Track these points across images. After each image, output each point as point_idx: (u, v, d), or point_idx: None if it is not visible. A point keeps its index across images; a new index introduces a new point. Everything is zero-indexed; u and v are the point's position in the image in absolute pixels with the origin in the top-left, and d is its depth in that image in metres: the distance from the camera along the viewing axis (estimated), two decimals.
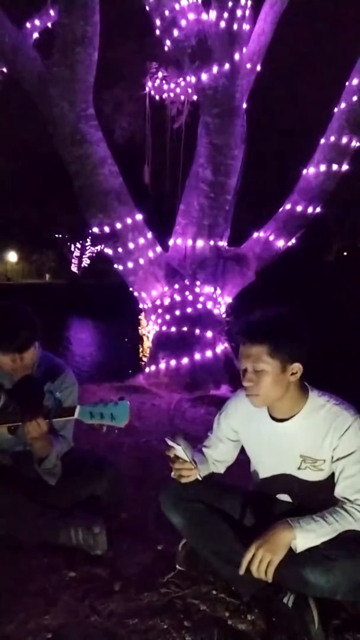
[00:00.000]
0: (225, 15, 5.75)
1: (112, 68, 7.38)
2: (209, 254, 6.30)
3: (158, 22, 5.99)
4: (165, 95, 7.03)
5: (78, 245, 37.09)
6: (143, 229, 6.21)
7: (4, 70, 6.50)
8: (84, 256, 37.68)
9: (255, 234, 6.68)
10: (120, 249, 6.15)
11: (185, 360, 5.93)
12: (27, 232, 29.91)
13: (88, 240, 34.24)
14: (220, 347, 6.11)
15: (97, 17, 5.50)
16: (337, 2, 7.72)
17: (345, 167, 6.22)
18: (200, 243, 6.26)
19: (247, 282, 6.71)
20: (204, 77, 5.83)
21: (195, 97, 6.51)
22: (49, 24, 6.54)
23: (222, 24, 5.77)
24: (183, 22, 5.81)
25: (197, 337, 6.03)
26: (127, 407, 2.11)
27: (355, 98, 5.94)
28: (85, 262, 37.75)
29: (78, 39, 5.48)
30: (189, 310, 6.08)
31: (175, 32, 5.86)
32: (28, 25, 6.49)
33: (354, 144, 6.12)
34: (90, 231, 6.66)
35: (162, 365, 6.02)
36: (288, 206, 6.47)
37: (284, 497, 2.02)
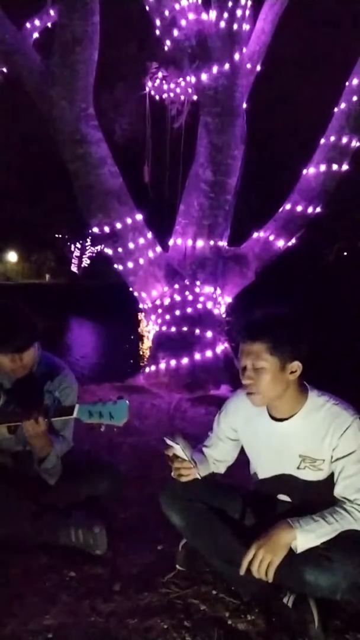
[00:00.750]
0: (225, 15, 5.75)
1: (112, 68, 7.37)
2: (209, 254, 6.30)
3: (158, 22, 5.99)
4: (165, 95, 7.04)
5: (78, 245, 37.07)
6: (143, 229, 6.20)
7: (4, 70, 6.50)
8: (84, 256, 37.66)
9: (255, 234, 6.68)
10: (120, 249, 6.15)
11: (185, 360, 5.93)
12: (27, 232, 29.89)
13: (88, 240, 34.22)
14: (220, 347, 6.11)
15: (97, 17, 5.50)
16: (337, 2, 7.71)
17: (345, 167, 6.22)
18: (200, 243, 6.26)
19: (247, 282, 6.70)
20: (204, 77, 5.83)
21: (195, 97, 6.52)
22: (49, 24, 6.54)
23: (222, 24, 5.78)
24: (183, 22, 5.81)
25: (197, 337, 6.02)
26: (126, 406, 2.11)
27: (355, 98, 5.94)
28: (85, 262, 37.73)
29: (78, 39, 5.48)
30: (189, 310, 6.08)
31: (175, 32, 5.86)
32: (28, 25, 6.48)
33: (354, 144, 6.12)
34: (90, 231, 6.66)
35: (162, 365, 6.02)
36: (288, 206, 6.47)
37: (284, 497, 2.02)
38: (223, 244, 6.43)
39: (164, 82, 6.94)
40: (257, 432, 2.01)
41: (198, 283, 6.26)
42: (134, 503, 2.74)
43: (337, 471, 1.85)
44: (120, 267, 6.30)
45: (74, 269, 38.47)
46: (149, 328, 6.54)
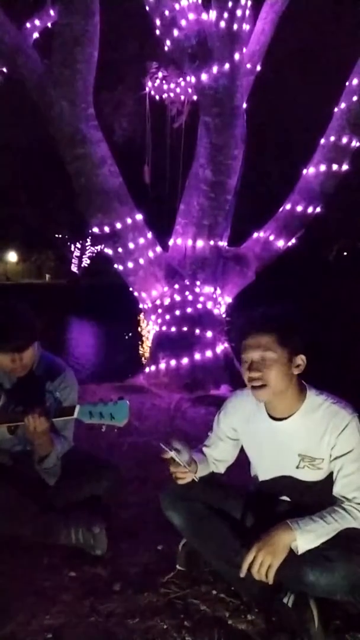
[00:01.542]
0: (225, 15, 5.74)
1: (112, 68, 7.37)
2: (209, 254, 6.30)
3: (158, 22, 5.98)
4: (165, 95, 7.04)
5: (78, 245, 37.05)
6: (143, 229, 6.20)
7: (4, 70, 6.50)
8: (84, 256, 37.64)
9: (255, 234, 6.67)
10: (120, 249, 6.15)
11: (185, 360, 5.93)
12: (27, 232, 29.88)
13: (88, 240, 34.18)
14: (220, 347, 6.11)
15: (97, 17, 5.49)
16: (337, 1, 7.71)
17: (345, 167, 6.22)
18: (200, 243, 6.25)
19: (247, 282, 6.70)
20: (204, 77, 5.82)
21: (195, 97, 6.51)
22: (49, 24, 6.53)
23: (222, 24, 5.76)
24: (183, 22, 5.80)
25: (197, 337, 6.02)
26: (127, 406, 2.11)
27: (355, 98, 5.93)
28: (85, 262, 37.72)
29: (78, 39, 5.48)
30: (189, 310, 6.07)
31: (175, 32, 5.85)
32: (28, 25, 6.48)
33: (354, 144, 6.12)
34: (90, 231, 6.66)
35: (162, 365, 6.02)
36: (288, 206, 6.47)
37: (284, 497, 2.02)
38: (223, 244, 6.42)
39: (164, 82, 6.94)
40: (257, 432, 2.01)
41: (198, 283, 6.25)
42: (134, 503, 2.75)
43: (336, 470, 1.86)
44: (120, 267, 6.30)
45: (74, 268, 38.46)
46: (149, 328, 6.54)
